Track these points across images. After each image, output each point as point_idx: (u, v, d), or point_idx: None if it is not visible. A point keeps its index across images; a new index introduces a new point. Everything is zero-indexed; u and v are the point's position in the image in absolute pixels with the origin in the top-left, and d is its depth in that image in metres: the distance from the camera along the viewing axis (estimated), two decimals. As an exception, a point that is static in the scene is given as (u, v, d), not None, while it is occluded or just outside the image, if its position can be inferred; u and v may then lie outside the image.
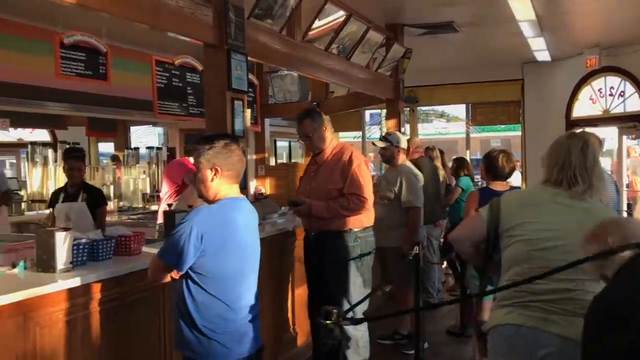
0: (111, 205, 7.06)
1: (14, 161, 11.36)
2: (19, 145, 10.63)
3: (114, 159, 9.18)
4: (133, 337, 2.96)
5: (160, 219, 4.76)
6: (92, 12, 3.29)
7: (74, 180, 4.75)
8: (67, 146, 6.61)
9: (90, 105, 7.05)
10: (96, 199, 4.73)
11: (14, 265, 2.79)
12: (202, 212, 2.33)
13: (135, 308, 2.96)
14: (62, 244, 2.62)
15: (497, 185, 3.86)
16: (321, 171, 3.84)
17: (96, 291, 2.74)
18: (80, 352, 2.66)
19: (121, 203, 7.40)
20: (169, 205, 4.05)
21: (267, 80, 8.59)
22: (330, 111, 8.32)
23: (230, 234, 2.35)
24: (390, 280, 4.94)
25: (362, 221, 3.80)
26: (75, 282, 2.60)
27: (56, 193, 4.98)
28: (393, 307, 5.34)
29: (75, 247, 2.73)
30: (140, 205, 7.47)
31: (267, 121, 8.33)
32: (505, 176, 3.90)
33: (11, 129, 8.98)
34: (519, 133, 10.61)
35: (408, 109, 9.98)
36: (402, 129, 7.31)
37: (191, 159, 5.14)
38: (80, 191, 4.49)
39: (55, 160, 7.35)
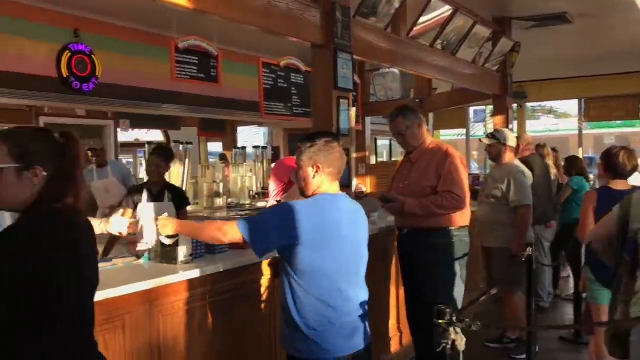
0: (220, 202, 7.37)
1: (131, 160, 12.15)
2: (136, 145, 11.39)
3: (222, 158, 9.57)
4: (246, 328, 3.07)
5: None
6: (205, 17, 3.44)
7: (153, 178, 4.63)
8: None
9: (202, 107, 7.41)
10: (180, 200, 4.58)
11: (138, 257, 2.99)
12: (295, 205, 2.37)
13: (249, 300, 3.08)
14: (184, 236, 2.78)
15: (618, 185, 3.62)
16: (415, 169, 3.77)
17: (213, 282, 2.87)
18: (198, 340, 2.81)
19: (229, 200, 7.69)
20: (278, 202, 4.15)
21: (368, 78, 8.60)
22: (433, 108, 8.22)
23: (324, 230, 2.33)
24: (496, 282, 4.78)
25: (457, 220, 3.68)
26: (195, 273, 2.74)
27: (134, 191, 4.73)
28: (499, 310, 5.16)
29: (194, 240, 2.87)
30: (248, 202, 7.72)
31: (368, 120, 8.35)
32: (627, 174, 3.65)
33: (129, 130, 9.60)
34: (638, 129, 9.88)
35: (516, 105, 9.61)
36: (510, 126, 7.05)
37: (297, 158, 5.27)
38: (164, 190, 4.37)
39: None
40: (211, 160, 10.57)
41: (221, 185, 7.43)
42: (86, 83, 6.15)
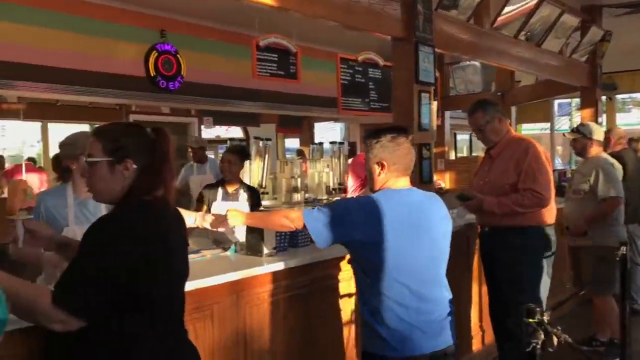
0: (298, 197, 7.47)
1: (212, 156, 12.51)
2: (217, 141, 11.72)
3: (300, 153, 9.69)
4: (326, 321, 3.10)
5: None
6: (285, 15, 3.48)
7: (226, 175, 4.51)
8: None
9: (281, 104, 7.53)
10: (255, 200, 4.53)
11: (224, 249, 3.08)
12: (359, 200, 2.34)
13: (329, 294, 3.11)
14: (269, 230, 2.84)
15: None
16: (495, 165, 3.64)
17: (296, 275, 2.93)
18: (282, 330, 2.87)
19: (307, 195, 7.78)
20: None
21: (448, 71, 8.44)
22: (515, 102, 7.96)
23: (384, 227, 2.23)
24: (584, 283, 4.57)
25: (542, 217, 3.52)
26: (279, 266, 2.80)
27: (209, 189, 4.63)
28: (585, 311, 4.93)
29: (278, 234, 2.93)
30: (325, 197, 7.78)
31: (447, 114, 8.20)
32: None
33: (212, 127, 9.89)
34: None
35: (605, 97, 9.12)
36: (599, 119, 6.71)
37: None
38: (239, 190, 4.33)
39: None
40: (288, 156, 10.72)
41: (299, 180, 7.53)
42: (172, 82, 6.41)
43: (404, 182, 2.40)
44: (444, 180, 7.31)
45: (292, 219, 2.45)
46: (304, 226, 2.35)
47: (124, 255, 1.62)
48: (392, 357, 2.26)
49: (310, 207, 6.98)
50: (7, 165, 8.14)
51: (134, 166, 1.75)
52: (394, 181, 2.38)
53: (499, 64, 5.88)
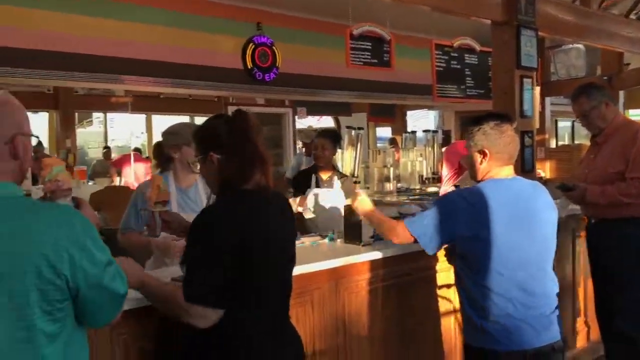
0: (390, 187, 7.43)
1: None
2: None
3: (392, 142, 9.64)
4: (423, 312, 3.08)
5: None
6: (379, 2, 3.45)
7: (320, 161, 4.29)
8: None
9: (374, 92, 7.51)
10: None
11: (322, 236, 3.13)
12: (458, 195, 2.29)
13: (426, 284, 3.09)
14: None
15: None
16: (601, 153, 3.43)
17: (393, 264, 2.92)
18: (380, 318, 2.88)
19: (399, 184, 7.72)
20: (456, 186, 4.08)
21: (549, 56, 8.04)
22: (624, 86, 7.45)
23: (487, 219, 2.17)
24: None
25: None
26: (376, 254, 2.81)
27: (301, 176, 4.50)
28: None
29: (376, 223, 2.93)
30: (417, 187, 7.69)
31: (547, 100, 7.82)
32: None
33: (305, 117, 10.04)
34: None
35: None
36: None
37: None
38: (333, 177, 4.20)
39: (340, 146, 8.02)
40: (379, 145, 10.69)
41: (391, 169, 7.49)
42: (268, 73, 6.56)
43: (507, 171, 2.33)
44: (544, 170, 7.00)
45: (397, 233, 2.44)
46: (413, 240, 2.36)
47: (222, 243, 1.69)
48: (498, 350, 2.21)
49: (404, 197, 6.99)
50: (114, 155, 8.71)
51: (217, 157, 1.81)
52: (497, 170, 2.31)
53: (607, 46, 5.53)
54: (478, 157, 2.31)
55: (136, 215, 2.82)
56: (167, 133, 2.94)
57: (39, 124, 8.92)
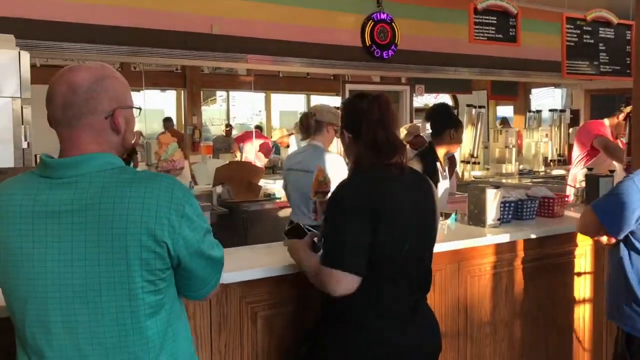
0: (511, 168, 7.14)
1: (419, 125, 12.46)
2: (423, 110, 11.66)
3: (503, 122, 9.30)
4: (556, 300, 2.95)
5: (570, 182, 4.62)
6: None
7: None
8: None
9: (496, 69, 7.20)
10: (452, 168, 4.06)
11: (446, 217, 3.06)
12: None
13: (558, 270, 2.94)
14: (493, 200, 2.75)
15: None
16: None
17: (520, 249, 2.80)
18: (504, 304, 2.78)
19: (521, 166, 7.40)
20: (589, 169, 3.82)
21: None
22: None
23: None
24: None
25: None
26: (503, 238, 2.70)
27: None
28: None
29: (502, 205, 2.82)
30: (542, 170, 7.32)
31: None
32: None
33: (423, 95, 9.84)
34: None
35: None
36: None
37: (606, 121, 4.77)
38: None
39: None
40: (497, 125, 10.26)
41: (513, 150, 7.18)
42: (386, 50, 6.47)
43: None
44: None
45: (592, 222, 2.23)
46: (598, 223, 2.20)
47: (356, 213, 1.75)
48: None
49: (527, 179, 6.66)
50: (235, 132, 9.08)
51: (349, 136, 1.92)
52: None
53: None
54: None
55: None
56: (327, 111, 3.33)
57: (169, 101, 9.49)
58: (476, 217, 2.82)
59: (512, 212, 2.93)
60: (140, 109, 1.46)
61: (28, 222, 1.26)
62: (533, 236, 2.79)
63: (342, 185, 1.86)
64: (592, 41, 5.99)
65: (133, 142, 1.48)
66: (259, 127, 9.02)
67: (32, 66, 3.62)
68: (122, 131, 1.37)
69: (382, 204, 1.77)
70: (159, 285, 1.29)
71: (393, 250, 1.79)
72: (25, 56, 3.51)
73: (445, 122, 3.37)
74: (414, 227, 1.85)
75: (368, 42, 6.37)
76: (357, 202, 1.77)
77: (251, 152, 7.04)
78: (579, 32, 5.91)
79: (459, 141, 3.49)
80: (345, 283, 1.73)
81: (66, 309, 1.25)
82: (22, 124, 3.47)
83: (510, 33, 5.63)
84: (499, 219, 2.81)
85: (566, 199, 3.14)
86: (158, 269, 1.27)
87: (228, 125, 9.51)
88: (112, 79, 1.37)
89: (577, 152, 4.81)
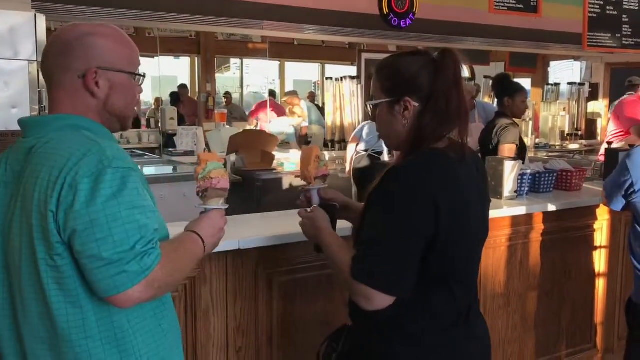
0: (526, 142, 7.05)
1: (479, 99, 12.35)
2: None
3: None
4: (572, 273, 2.95)
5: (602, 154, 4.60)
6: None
7: None
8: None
9: (515, 40, 7.06)
10: None
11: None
12: None
13: (573, 244, 2.93)
14: (510, 172, 2.72)
15: None
16: None
17: (537, 222, 2.79)
18: (517, 276, 2.78)
19: (537, 140, 7.32)
20: (609, 143, 3.77)
21: None
22: None
23: None
24: None
25: None
26: (520, 210, 2.69)
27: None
28: None
29: (520, 177, 2.80)
30: (558, 144, 7.24)
31: None
32: None
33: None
34: None
35: None
36: None
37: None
38: None
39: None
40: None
41: (530, 123, 7.09)
42: (404, 19, 6.37)
43: None
44: None
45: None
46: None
47: (412, 217, 1.35)
48: None
49: (543, 152, 6.60)
50: (248, 101, 9.04)
51: (415, 104, 1.43)
52: None
53: None
54: None
55: None
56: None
57: (183, 67, 9.44)
58: (493, 189, 2.79)
59: (529, 185, 2.90)
60: (143, 75, 1.32)
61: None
62: (551, 209, 2.77)
63: (397, 173, 1.40)
64: (615, 13, 5.88)
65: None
66: (272, 94, 8.95)
67: (48, 30, 3.59)
68: (100, 95, 1.25)
69: (451, 196, 1.37)
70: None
71: (455, 251, 1.41)
72: (42, 19, 3.48)
73: (501, 91, 3.74)
74: (478, 220, 1.49)
75: (385, 10, 6.27)
76: (419, 196, 1.35)
77: (266, 120, 7.02)
78: (602, 3, 5.80)
79: (518, 108, 3.70)
80: (379, 301, 1.35)
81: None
82: (39, 87, 3.46)
83: (532, 3, 5.57)
84: (515, 191, 2.78)
85: (584, 173, 3.11)
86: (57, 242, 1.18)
87: (227, 94, 9.42)
88: (101, 36, 1.25)
89: (612, 127, 4.77)
